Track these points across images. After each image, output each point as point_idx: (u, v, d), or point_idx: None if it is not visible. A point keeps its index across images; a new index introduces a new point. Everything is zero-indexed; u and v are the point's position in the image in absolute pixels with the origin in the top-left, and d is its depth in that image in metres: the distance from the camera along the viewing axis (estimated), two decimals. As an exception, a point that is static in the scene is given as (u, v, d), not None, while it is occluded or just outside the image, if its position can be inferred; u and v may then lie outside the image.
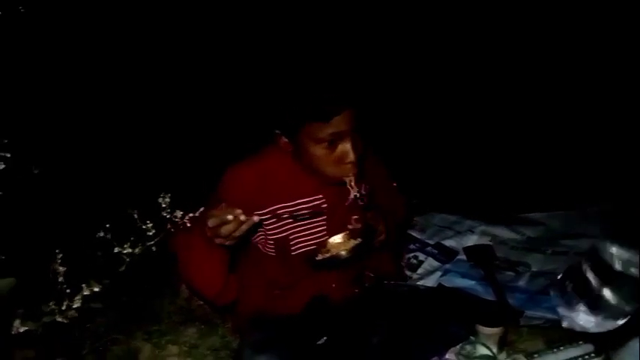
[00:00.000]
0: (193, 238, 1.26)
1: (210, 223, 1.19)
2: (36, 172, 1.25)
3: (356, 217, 1.46)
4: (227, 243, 1.23)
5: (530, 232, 2.08)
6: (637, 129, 2.31)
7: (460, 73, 2.93)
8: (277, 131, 1.37)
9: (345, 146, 1.30)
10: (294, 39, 2.69)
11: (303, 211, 1.43)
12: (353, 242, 1.40)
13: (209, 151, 2.39)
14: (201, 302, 1.83)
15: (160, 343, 1.67)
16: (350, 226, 1.41)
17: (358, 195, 1.36)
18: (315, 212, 1.43)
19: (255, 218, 1.21)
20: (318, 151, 1.31)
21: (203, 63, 2.83)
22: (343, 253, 1.36)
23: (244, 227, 1.20)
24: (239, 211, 1.18)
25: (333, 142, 1.30)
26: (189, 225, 1.33)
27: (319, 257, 1.39)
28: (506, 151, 2.58)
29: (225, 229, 1.19)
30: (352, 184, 1.36)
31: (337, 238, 1.44)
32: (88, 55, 2.48)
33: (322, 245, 1.44)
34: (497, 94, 2.83)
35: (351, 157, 1.30)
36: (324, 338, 1.52)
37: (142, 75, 2.62)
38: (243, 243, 1.27)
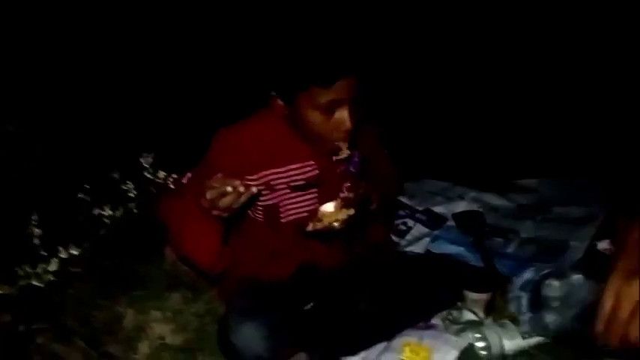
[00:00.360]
0: (187, 207, 1.22)
1: (209, 195, 1.14)
2: (11, 130, 1.19)
3: (348, 185, 1.44)
4: (224, 215, 1.19)
5: (520, 199, 2.07)
6: (629, 101, 2.29)
7: (452, 42, 2.88)
8: (273, 93, 1.32)
9: (343, 114, 1.27)
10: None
11: (299, 181, 1.40)
12: (345, 212, 1.36)
13: (193, 110, 2.32)
14: (187, 268, 1.80)
15: (144, 309, 1.65)
16: (342, 195, 1.38)
17: (348, 155, 1.32)
18: (311, 183, 1.40)
19: (254, 189, 1.17)
20: (315, 116, 1.28)
21: (194, 15, 2.71)
22: (336, 224, 1.33)
23: (243, 199, 1.16)
24: (237, 182, 1.14)
25: (330, 109, 1.27)
26: (176, 190, 1.30)
27: (311, 227, 1.36)
28: (497, 117, 2.55)
29: (224, 202, 1.15)
30: (344, 148, 1.32)
31: (329, 207, 1.40)
32: (68, 14, 2.37)
33: (314, 214, 1.40)
34: (490, 59, 2.79)
35: (347, 125, 1.28)
36: (311, 304, 1.51)
37: (124, 30, 2.51)
38: (239, 214, 1.22)
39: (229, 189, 1.13)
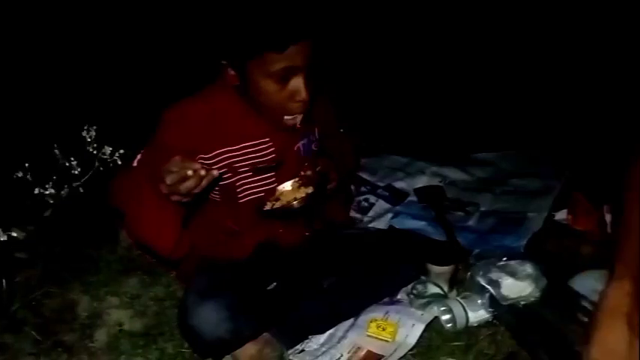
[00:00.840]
0: (141, 192, 1.15)
1: (169, 180, 1.07)
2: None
3: (307, 163, 1.40)
4: (185, 200, 1.12)
5: (480, 173, 2.09)
6: (588, 72, 2.33)
7: (411, 7, 2.84)
8: (224, 62, 1.25)
9: (298, 82, 1.21)
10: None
11: (255, 160, 1.34)
12: (304, 190, 1.34)
13: (138, 79, 2.18)
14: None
15: (99, 295, 1.57)
16: (302, 173, 1.34)
17: (299, 125, 1.28)
18: (272, 166, 1.35)
19: (215, 172, 1.10)
20: (269, 85, 1.22)
21: None
22: (295, 203, 1.30)
23: (204, 183, 1.09)
24: (197, 165, 1.07)
25: (285, 77, 1.20)
26: (127, 173, 1.22)
27: (268, 207, 1.32)
28: (455, 91, 2.56)
29: (185, 187, 1.07)
30: (298, 121, 1.28)
31: (287, 186, 1.37)
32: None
33: (271, 193, 1.36)
34: (449, 30, 2.78)
35: (303, 94, 1.22)
36: (274, 284, 1.48)
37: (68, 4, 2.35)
38: (200, 197, 1.16)
39: (190, 172, 1.06)
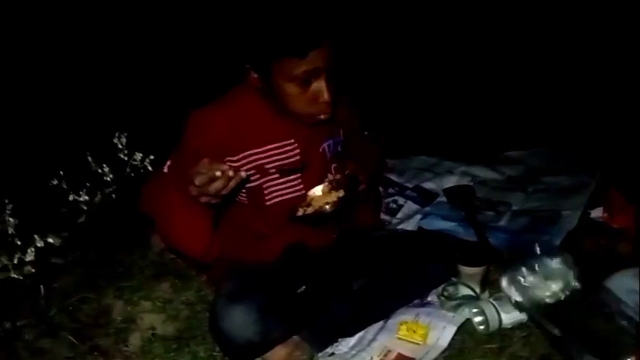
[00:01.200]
0: (172, 197, 1.17)
1: (198, 181, 1.09)
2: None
3: (335, 165, 1.41)
4: (214, 201, 1.14)
5: (510, 171, 2.05)
6: (617, 72, 2.28)
7: (438, 15, 2.83)
8: (248, 65, 1.27)
9: (320, 84, 1.23)
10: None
11: (280, 161, 1.35)
12: (335, 194, 1.33)
13: (168, 86, 2.22)
14: (174, 256, 1.76)
15: (133, 300, 1.60)
16: (331, 177, 1.35)
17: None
18: (297, 168, 1.36)
19: (243, 174, 1.12)
20: (291, 88, 1.24)
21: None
22: (327, 207, 1.29)
23: (232, 183, 1.11)
24: (225, 167, 1.09)
25: (307, 80, 1.22)
26: (157, 179, 1.24)
27: (301, 213, 1.32)
28: (484, 91, 2.52)
29: (214, 188, 1.09)
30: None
31: (317, 191, 1.36)
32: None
33: (302, 199, 1.36)
34: (476, 33, 2.75)
35: (325, 96, 1.24)
36: (304, 287, 1.48)
37: (92, 8, 2.41)
38: (228, 199, 1.18)
39: (218, 174, 1.08)
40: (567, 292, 1.34)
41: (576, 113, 2.24)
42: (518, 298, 1.35)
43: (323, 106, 1.26)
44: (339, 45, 1.22)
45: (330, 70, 1.22)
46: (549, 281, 1.34)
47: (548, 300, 1.33)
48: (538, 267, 1.36)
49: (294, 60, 1.19)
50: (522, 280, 1.35)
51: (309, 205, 1.34)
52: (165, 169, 1.30)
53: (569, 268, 1.35)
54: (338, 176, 1.34)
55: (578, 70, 2.43)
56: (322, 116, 1.29)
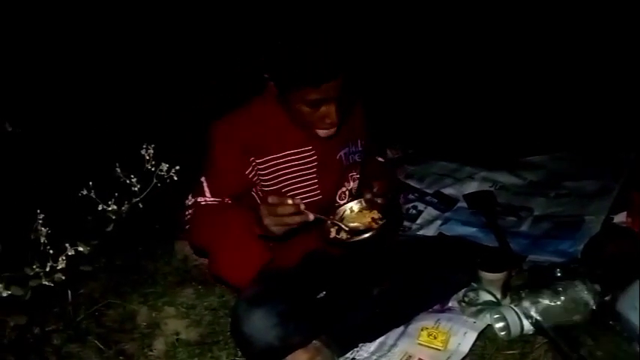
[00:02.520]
0: (230, 232, 1.28)
1: (281, 210, 1.18)
2: (10, 130, 1.17)
3: (353, 174, 1.47)
4: (281, 232, 1.23)
5: (531, 176, 2.04)
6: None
7: (457, 20, 2.83)
8: (266, 75, 1.32)
9: (329, 109, 1.29)
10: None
11: (305, 170, 1.41)
12: (369, 215, 1.35)
13: (191, 99, 2.28)
14: (198, 263, 1.80)
15: (157, 305, 1.64)
16: (368, 196, 1.36)
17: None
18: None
19: (311, 217, 1.20)
20: (303, 108, 1.30)
21: (190, 11, 2.68)
22: (367, 235, 1.28)
23: (299, 219, 1.19)
24: (298, 200, 1.19)
25: (318, 104, 1.28)
26: (200, 206, 1.31)
27: (333, 234, 1.34)
28: (503, 95, 2.51)
29: (292, 219, 1.19)
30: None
31: (348, 209, 1.38)
32: (64, 9, 2.35)
33: (333, 214, 1.38)
34: (495, 38, 2.74)
35: (332, 119, 1.30)
36: (324, 292, 1.50)
37: (119, 22, 2.48)
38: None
39: (290, 202, 1.17)
40: (587, 316, 1.33)
41: (599, 117, 2.21)
42: (538, 317, 1.34)
43: (328, 125, 1.32)
44: (355, 76, 1.28)
45: (340, 97, 1.28)
46: (571, 309, 1.34)
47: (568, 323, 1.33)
48: (561, 292, 1.36)
49: (309, 88, 1.25)
50: (545, 302, 1.35)
51: (342, 220, 1.35)
52: (207, 193, 1.36)
53: (591, 295, 1.34)
54: (368, 195, 1.36)
55: (601, 74, 2.40)
56: (324, 132, 1.34)
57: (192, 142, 1.33)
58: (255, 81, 1.33)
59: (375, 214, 1.34)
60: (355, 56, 1.29)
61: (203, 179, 1.37)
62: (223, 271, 1.35)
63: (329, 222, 1.33)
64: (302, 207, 1.18)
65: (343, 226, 1.32)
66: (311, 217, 1.19)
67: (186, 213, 1.38)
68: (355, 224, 1.34)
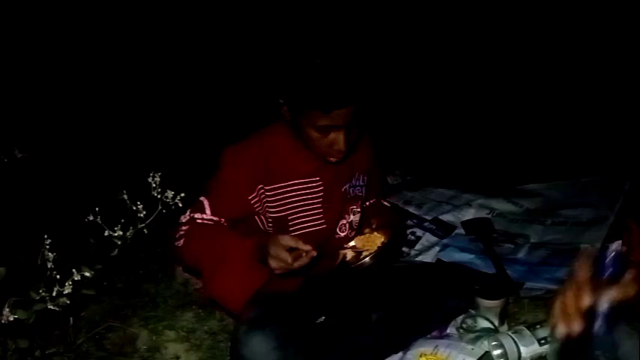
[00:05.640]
0: (227, 258, 1.30)
1: (285, 241, 1.22)
2: (19, 156, 1.20)
3: (353, 207, 1.52)
4: (279, 270, 1.24)
5: (528, 204, 2.07)
6: (633, 100, 2.29)
7: (454, 49, 2.89)
8: (281, 101, 1.36)
9: (338, 136, 1.32)
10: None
11: (305, 195, 1.44)
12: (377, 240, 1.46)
13: (198, 129, 2.33)
14: (198, 286, 1.81)
15: (157, 329, 1.64)
16: (367, 231, 1.52)
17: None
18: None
19: (313, 252, 1.22)
20: (312, 133, 1.33)
21: (198, 37, 2.74)
22: (367, 260, 1.41)
23: (305, 260, 1.22)
24: (309, 247, 1.21)
25: (327, 130, 1.32)
26: (199, 224, 1.33)
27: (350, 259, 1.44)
28: (500, 124, 2.55)
29: (299, 263, 1.21)
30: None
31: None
32: (72, 35, 2.41)
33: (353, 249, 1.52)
34: (492, 66, 2.80)
35: (340, 146, 1.33)
36: (323, 317, 1.51)
37: (129, 53, 2.54)
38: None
39: (305, 248, 1.20)
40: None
41: (595, 146, 2.25)
42: None
43: (336, 152, 1.35)
44: (366, 107, 1.32)
45: (349, 125, 1.32)
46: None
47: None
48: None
49: (319, 114, 1.28)
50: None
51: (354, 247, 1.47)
52: (208, 211, 1.38)
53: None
54: (367, 231, 1.50)
55: (598, 103, 2.45)
56: (332, 159, 1.37)
57: (198, 170, 1.36)
58: (271, 106, 1.36)
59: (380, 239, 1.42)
60: (368, 87, 1.32)
61: (203, 198, 1.39)
62: (219, 293, 1.37)
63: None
64: (313, 254, 1.21)
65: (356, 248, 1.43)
66: (314, 253, 1.21)
67: (180, 229, 1.39)
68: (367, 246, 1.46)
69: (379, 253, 1.43)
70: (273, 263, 1.23)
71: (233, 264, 1.31)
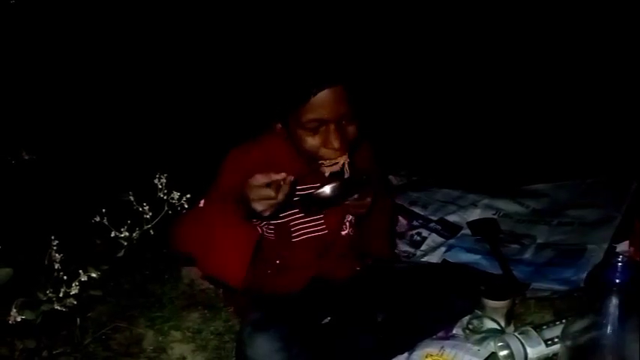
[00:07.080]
0: (215, 224, 1.24)
1: (260, 182, 1.15)
2: (27, 158, 1.21)
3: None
4: (268, 211, 1.19)
5: (534, 204, 2.06)
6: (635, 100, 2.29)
7: (457, 46, 2.89)
8: (274, 119, 1.37)
9: (329, 133, 1.30)
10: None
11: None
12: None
13: (204, 130, 2.35)
14: (204, 287, 1.82)
15: (163, 329, 1.65)
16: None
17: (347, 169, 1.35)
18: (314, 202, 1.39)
19: (290, 177, 1.17)
20: (303, 134, 1.32)
21: (197, 46, 2.77)
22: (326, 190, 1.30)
23: (286, 188, 1.17)
24: (282, 174, 1.15)
25: (316, 128, 1.30)
26: (193, 213, 1.32)
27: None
28: (507, 123, 2.55)
29: (282, 193, 1.15)
30: (346, 166, 1.34)
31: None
32: (78, 36, 2.42)
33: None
34: (497, 64, 2.80)
35: (334, 144, 1.30)
36: (328, 318, 1.51)
37: (135, 56, 2.56)
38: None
39: (276, 177, 1.15)
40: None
41: (602, 146, 2.24)
42: None
43: (331, 152, 1.32)
44: (354, 96, 1.29)
45: (339, 119, 1.29)
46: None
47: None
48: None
49: (302, 109, 1.27)
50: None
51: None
52: (202, 204, 1.37)
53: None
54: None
55: (604, 103, 2.44)
56: (329, 167, 1.34)
57: (203, 172, 1.36)
58: (264, 118, 1.36)
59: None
60: (346, 68, 1.29)
61: (202, 201, 1.35)
62: (215, 268, 1.32)
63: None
64: (290, 179, 1.15)
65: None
66: (291, 178, 1.16)
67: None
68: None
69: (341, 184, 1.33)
70: (259, 206, 1.17)
71: (222, 228, 1.24)
